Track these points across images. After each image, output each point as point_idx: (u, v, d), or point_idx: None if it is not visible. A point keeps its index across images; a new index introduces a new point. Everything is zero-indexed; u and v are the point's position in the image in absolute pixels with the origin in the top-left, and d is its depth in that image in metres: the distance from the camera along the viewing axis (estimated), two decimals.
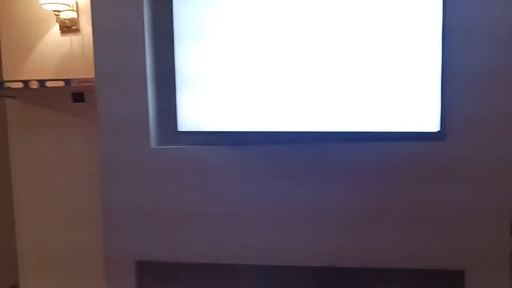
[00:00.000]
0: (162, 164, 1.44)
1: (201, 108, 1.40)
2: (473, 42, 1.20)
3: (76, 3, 1.96)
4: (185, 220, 1.44)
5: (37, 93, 2.04)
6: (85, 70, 1.97)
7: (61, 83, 1.89)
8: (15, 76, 2.01)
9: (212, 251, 1.43)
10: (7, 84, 1.92)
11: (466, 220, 1.25)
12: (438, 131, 1.13)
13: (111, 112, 1.47)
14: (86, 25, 1.96)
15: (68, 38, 2.00)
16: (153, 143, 1.46)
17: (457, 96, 1.21)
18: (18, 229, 2.21)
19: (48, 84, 1.89)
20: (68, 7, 1.91)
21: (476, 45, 1.20)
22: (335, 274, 1.35)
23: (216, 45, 1.35)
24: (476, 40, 1.20)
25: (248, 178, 1.39)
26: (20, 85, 1.89)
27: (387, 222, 1.30)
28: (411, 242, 1.29)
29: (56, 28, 2.00)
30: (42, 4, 1.86)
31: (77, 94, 2.06)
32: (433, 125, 1.13)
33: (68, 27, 1.98)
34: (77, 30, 1.98)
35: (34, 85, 1.89)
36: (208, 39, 1.36)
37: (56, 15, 1.94)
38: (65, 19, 1.96)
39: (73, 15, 1.96)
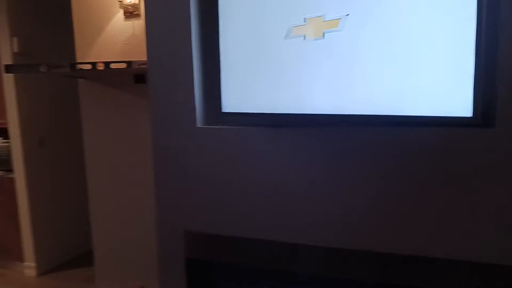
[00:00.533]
0: (208, 142, 1.53)
1: (245, 91, 1.47)
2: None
3: None
4: (229, 196, 1.53)
5: (104, 74, 2.24)
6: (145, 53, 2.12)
7: (123, 65, 2.04)
8: (85, 58, 2.22)
9: (260, 227, 1.50)
10: (78, 66, 2.14)
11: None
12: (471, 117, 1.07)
13: (161, 94, 1.58)
14: None
15: (130, 23, 2.16)
16: (199, 123, 1.55)
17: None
18: (90, 195, 2.49)
19: (112, 66, 2.06)
20: None
21: None
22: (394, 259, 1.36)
23: (259, 28, 1.39)
24: None
25: (289, 159, 1.43)
26: (89, 66, 2.08)
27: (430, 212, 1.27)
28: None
29: (120, 14, 2.16)
30: None
31: (138, 75, 2.23)
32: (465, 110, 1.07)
33: (131, 13, 2.14)
34: (138, 15, 2.13)
35: (101, 66, 2.07)
36: (252, 22, 1.41)
37: (119, 1, 2.09)
38: (128, 4, 2.11)
39: (135, 0, 2.10)
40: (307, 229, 1.42)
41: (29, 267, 3.01)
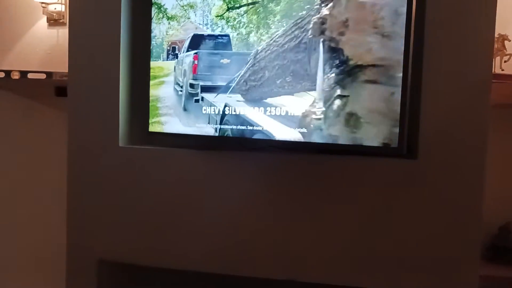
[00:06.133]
0: (130, 163, 1.42)
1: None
2: None
3: None
4: (150, 221, 1.41)
5: (20, 84, 2.03)
6: None
7: (43, 76, 1.87)
8: None
9: (176, 256, 1.40)
10: None
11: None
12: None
13: (82, 108, 1.46)
14: None
15: (54, 31, 2.00)
16: (122, 142, 1.44)
17: None
18: None
19: (30, 75, 1.88)
20: (55, 0, 1.90)
21: None
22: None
23: None
24: None
25: (215, 183, 1.36)
26: (1, 74, 1.88)
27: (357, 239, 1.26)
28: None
29: (43, 21, 1.99)
30: None
31: (60, 88, 2.05)
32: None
33: (56, 20, 1.98)
34: (64, 24, 1.98)
35: (16, 75, 1.88)
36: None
37: (43, 7, 1.93)
38: (52, 11, 1.95)
39: (61, 8, 1.95)
40: (233, 259, 1.35)
41: None
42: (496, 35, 1.49)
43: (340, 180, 1.26)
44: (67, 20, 1.97)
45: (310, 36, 1.16)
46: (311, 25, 1.16)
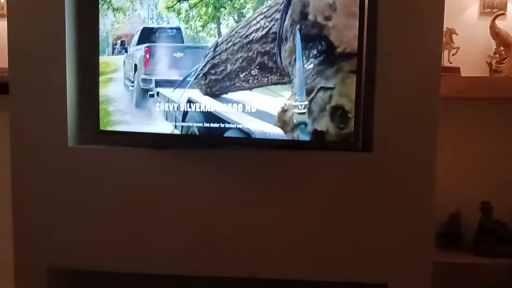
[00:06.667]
0: (80, 164, 1.35)
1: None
2: None
3: None
4: (103, 224, 1.35)
5: None
6: None
7: None
8: None
9: (134, 259, 1.34)
10: None
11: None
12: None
13: (25, 106, 1.36)
14: None
15: None
16: (70, 142, 1.36)
17: None
18: None
19: None
20: None
21: None
22: (255, 285, 1.31)
23: None
24: None
25: (171, 182, 1.32)
26: None
27: (307, 232, 1.27)
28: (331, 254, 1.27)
29: None
30: None
31: (1, 84, 1.91)
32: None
33: None
34: (3, 16, 1.84)
35: None
36: None
37: None
38: None
39: None
40: (194, 260, 1.32)
41: None
42: (444, 29, 1.54)
43: (301, 175, 1.26)
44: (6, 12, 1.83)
45: (285, 24, 1.09)
46: (280, 14, 1.09)
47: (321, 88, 1.08)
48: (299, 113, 1.10)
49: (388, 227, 1.24)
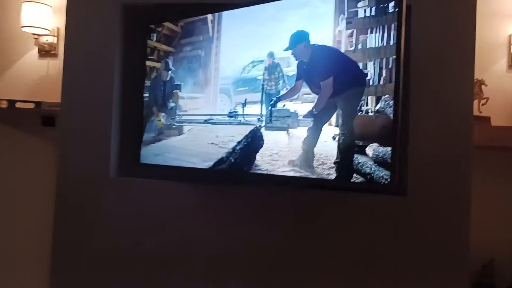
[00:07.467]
0: (121, 195, 1.41)
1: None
2: None
3: (58, 29, 1.97)
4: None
5: (7, 113, 2.00)
6: (58, 95, 1.95)
7: (31, 105, 1.86)
8: None
9: None
10: None
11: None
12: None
13: (72, 139, 1.45)
14: None
15: (45, 62, 2.00)
16: (112, 173, 1.43)
17: None
18: None
19: (18, 105, 1.86)
20: (48, 32, 1.92)
21: None
22: None
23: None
24: None
25: (203, 215, 1.35)
26: None
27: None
28: None
29: (34, 51, 2.00)
30: (22, 27, 1.87)
31: (47, 117, 2.03)
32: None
33: (47, 51, 1.99)
34: (55, 55, 1.99)
35: (4, 104, 1.86)
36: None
37: (35, 38, 1.94)
38: (44, 43, 1.96)
39: (53, 40, 1.97)
40: None
41: None
42: (474, 80, 1.58)
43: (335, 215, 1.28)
44: (58, 52, 1.98)
45: None
46: None
47: None
48: None
49: (421, 275, 1.23)
